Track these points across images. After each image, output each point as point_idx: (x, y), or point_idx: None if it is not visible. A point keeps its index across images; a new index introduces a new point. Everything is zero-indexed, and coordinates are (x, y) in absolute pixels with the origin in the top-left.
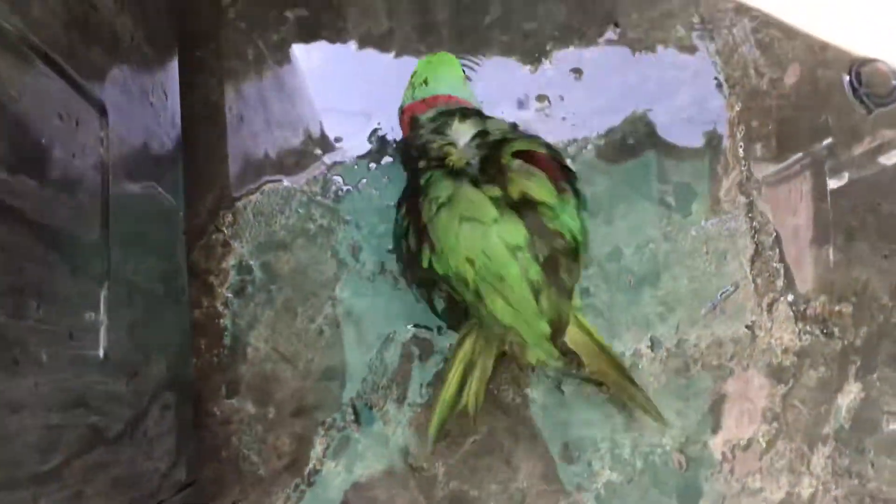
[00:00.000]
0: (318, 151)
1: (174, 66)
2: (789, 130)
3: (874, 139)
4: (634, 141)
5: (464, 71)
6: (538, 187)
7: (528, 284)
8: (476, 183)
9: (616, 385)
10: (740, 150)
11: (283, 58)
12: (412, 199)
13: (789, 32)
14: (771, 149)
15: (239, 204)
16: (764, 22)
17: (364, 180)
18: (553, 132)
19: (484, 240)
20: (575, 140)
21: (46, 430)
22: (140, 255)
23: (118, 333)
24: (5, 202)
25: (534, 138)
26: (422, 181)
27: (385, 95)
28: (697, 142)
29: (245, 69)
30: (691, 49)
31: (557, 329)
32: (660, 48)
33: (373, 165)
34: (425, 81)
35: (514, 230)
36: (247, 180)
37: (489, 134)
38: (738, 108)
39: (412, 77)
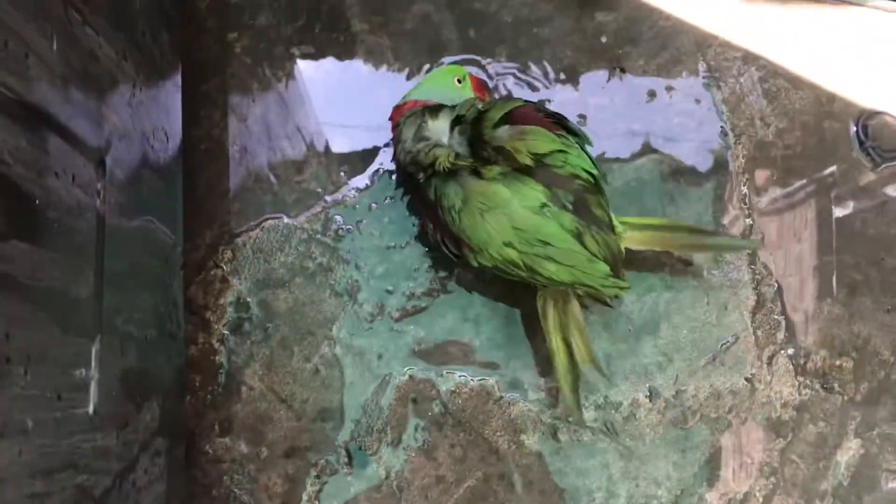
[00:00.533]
0: (319, 190)
1: (177, 107)
2: (795, 181)
3: (879, 193)
4: (637, 187)
5: (470, 75)
6: (538, 141)
7: (569, 234)
8: (477, 172)
9: (694, 246)
10: (745, 200)
11: (288, 94)
12: (431, 214)
13: (797, 83)
14: (776, 199)
15: (239, 240)
16: (771, 72)
17: (364, 220)
18: None
19: (509, 218)
20: None
21: (30, 500)
22: (134, 297)
23: (109, 385)
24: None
25: (508, 100)
26: (430, 194)
27: (389, 134)
28: (701, 190)
29: (249, 104)
30: (697, 97)
31: (615, 262)
32: (666, 95)
33: (374, 205)
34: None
35: (531, 193)
36: (247, 216)
37: (464, 117)
38: (743, 158)
39: None
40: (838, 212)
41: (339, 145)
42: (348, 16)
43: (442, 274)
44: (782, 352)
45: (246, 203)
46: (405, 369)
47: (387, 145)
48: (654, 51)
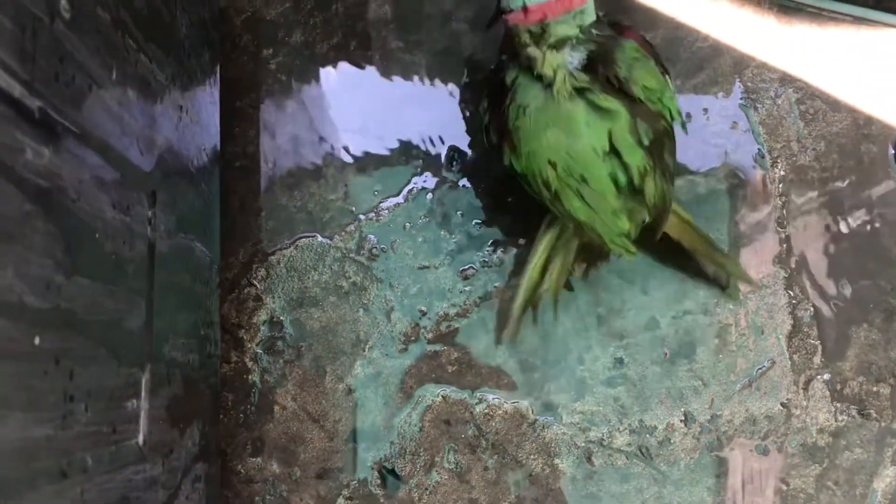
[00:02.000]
0: (353, 208)
1: (216, 124)
2: (832, 204)
3: None
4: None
5: None
6: (649, 76)
7: (611, 182)
8: (581, 91)
9: (705, 256)
10: (781, 223)
11: (322, 112)
12: (496, 96)
13: (834, 105)
14: (812, 223)
15: (273, 258)
16: (809, 94)
17: (398, 240)
18: None
19: (568, 144)
20: None
21: None
22: (179, 322)
23: (156, 414)
24: (61, 307)
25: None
26: (508, 79)
27: (424, 153)
28: (738, 213)
29: (283, 121)
30: (734, 118)
31: (662, 212)
32: (702, 116)
33: (408, 225)
34: None
35: (601, 134)
36: (281, 234)
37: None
38: (780, 180)
39: None
40: (875, 236)
41: (374, 164)
42: (383, 34)
43: (476, 295)
44: (818, 377)
45: (280, 221)
46: (438, 391)
47: (420, 166)
48: (690, 71)
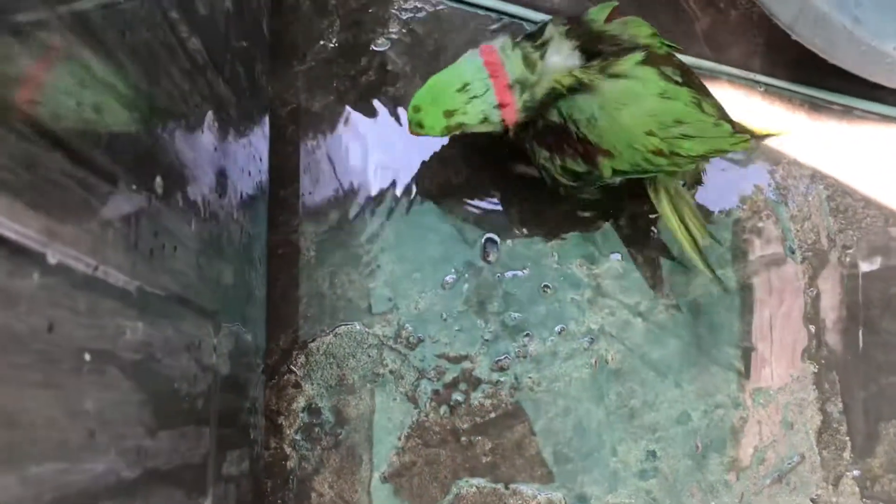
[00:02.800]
0: (391, 296)
1: (264, 219)
2: (861, 300)
3: None
4: (707, 303)
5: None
6: (643, 28)
7: (694, 107)
8: (604, 72)
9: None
10: (811, 319)
11: (363, 201)
12: (554, 141)
13: (864, 201)
14: (841, 318)
15: (312, 345)
16: (839, 190)
17: (436, 329)
18: (627, 290)
19: (645, 109)
20: (648, 298)
21: None
22: (234, 434)
23: None
24: (147, 467)
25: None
26: (554, 118)
27: (462, 243)
28: (767, 308)
29: (326, 210)
30: (765, 214)
31: (729, 120)
32: (736, 211)
33: (444, 314)
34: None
35: (652, 79)
36: (321, 322)
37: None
38: (809, 275)
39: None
40: None
41: (413, 253)
42: None
43: (510, 386)
44: (848, 473)
45: (320, 308)
46: (472, 481)
47: (457, 256)
48: (722, 167)
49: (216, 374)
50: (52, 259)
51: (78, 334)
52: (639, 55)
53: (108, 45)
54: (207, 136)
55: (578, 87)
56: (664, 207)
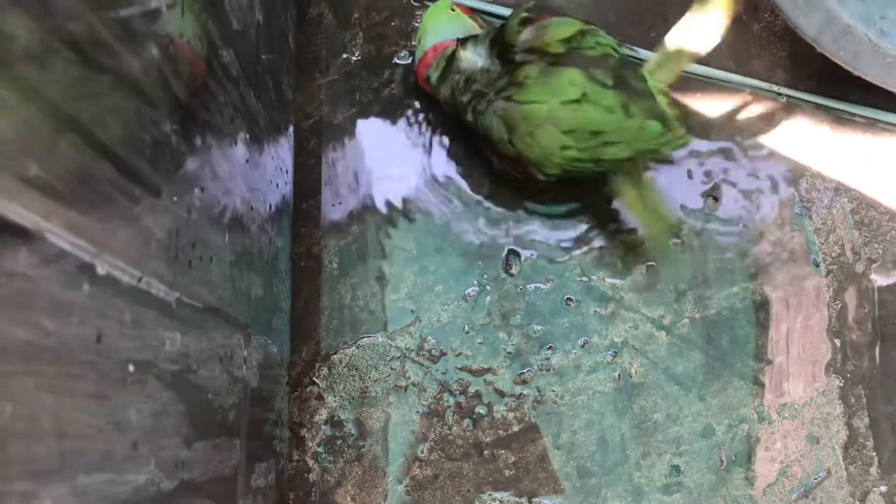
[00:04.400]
0: (414, 308)
1: (289, 231)
2: (886, 314)
3: None
4: (729, 316)
5: (453, 7)
6: (561, 28)
7: (614, 112)
8: (503, 89)
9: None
10: (836, 333)
11: (385, 213)
12: (485, 144)
13: (890, 214)
14: (866, 332)
15: (335, 357)
16: (864, 203)
17: (458, 342)
18: (650, 304)
19: (557, 126)
20: (671, 312)
21: None
22: (262, 447)
23: None
24: (184, 479)
25: (518, 9)
26: (480, 128)
27: (484, 255)
28: (792, 320)
29: (347, 222)
30: (790, 227)
31: (664, 120)
32: (758, 224)
33: (467, 327)
34: (419, 41)
35: (568, 85)
36: (343, 333)
37: (489, 35)
38: (834, 289)
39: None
40: None
41: (435, 265)
42: (444, 143)
43: (533, 399)
44: (875, 489)
45: (342, 320)
46: (496, 495)
47: (480, 269)
48: (746, 181)
49: (246, 386)
50: (100, 270)
51: (123, 345)
52: (535, 67)
53: (149, 53)
54: (240, 149)
55: (488, 104)
56: (627, 198)
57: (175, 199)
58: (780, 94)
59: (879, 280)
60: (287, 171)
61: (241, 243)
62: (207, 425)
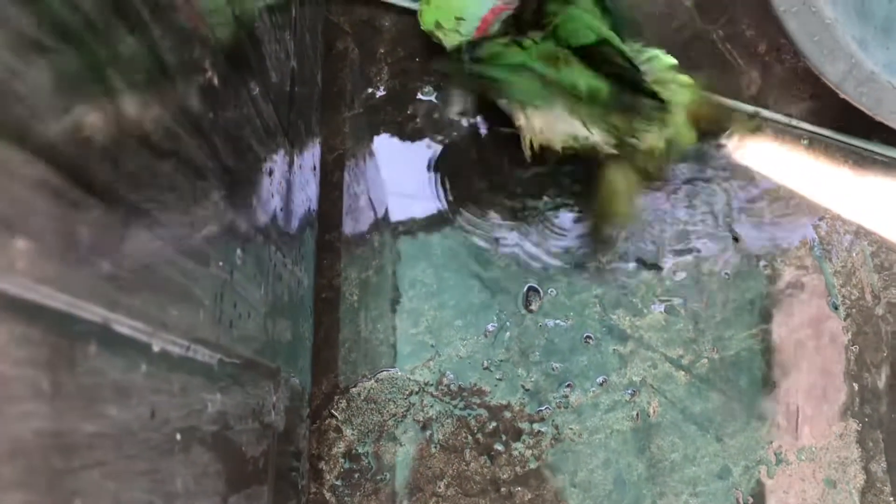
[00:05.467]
0: (433, 343)
1: (312, 266)
2: None
3: None
4: (748, 357)
5: None
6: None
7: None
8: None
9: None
10: (854, 377)
11: (405, 247)
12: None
13: None
14: (884, 375)
15: (353, 390)
16: (883, 246)
17: (476, 377)
18: (669, 343)
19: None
20: (690, 352)
21: None
22: (282, 477)
23: None
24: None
25: None
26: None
27: (504, 292)
28: (811, 362)
29: (368, 255)
30: (809, 268)
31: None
32: (778, 265)
33: (486, 362)
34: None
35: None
36: (362, 367)
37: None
38: (852, 332)
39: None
40: None
41: (455, 301)
42: (466, 179)
43: (551, 437)
44: None
45: (361, 353)
46: None
47: (500, 305)
48: (766, 221)
49: (275, 432)
50: (156, 347)
51: (172, 415)
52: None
53: (206, 129)
54: (276, 200)
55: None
56: (614, 185)
57: (220, 263)
58: (801, 132)
59: None
60: (312, 206)
61: (273, 292)
62: (240, 478)
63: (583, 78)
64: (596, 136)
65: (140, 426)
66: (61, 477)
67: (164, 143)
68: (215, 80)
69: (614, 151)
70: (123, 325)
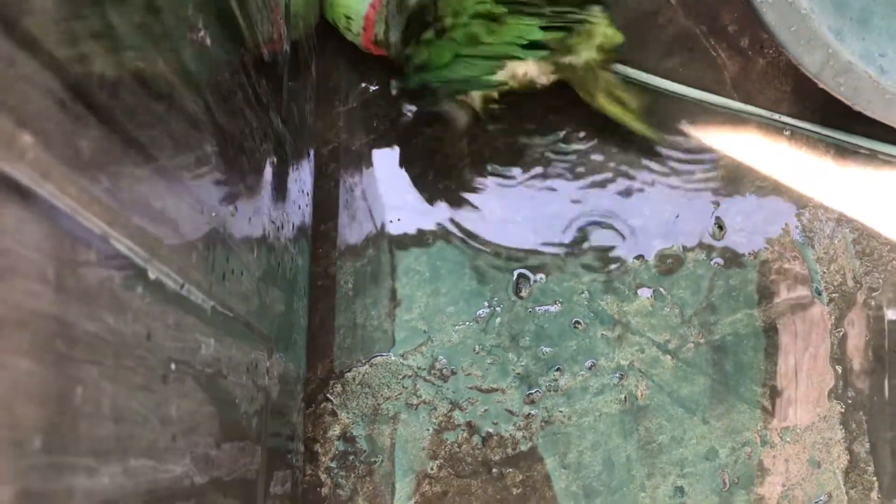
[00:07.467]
0: (426, 328)
1: (308, 252)
2: (887, 343)
3: None
4: (734, 342)
5: None
6: None
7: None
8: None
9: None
10: (838, 361)
11: (399, 237)
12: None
13: (890, 245)
14: (867, 358)
15: (349, 374)
16: (865, 234)
17: (468, 362)
18: (656, 328)
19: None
20: (676, 336)
21: None
22: (277, 459)
23: None
24: (213, 476)
25: None
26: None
27: (495, 278)
28: (795, 348)
29: (363, 244)
30: (791, 256)
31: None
32: (763, 253)
33: (477, 347)
34: (344, 20)
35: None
36: (357, 352)
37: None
38: (835, 316)
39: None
40: None
41: (447, 288)
42: (460, 168)
43: (542, 419)
44: None
45: (356, 339)
46: None
47: (491, 290)
48: (750, 209)
49: (268, 396)
50: (151, 275)
51: (167, 345)
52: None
53: (201, 84)
54: (268, 170)
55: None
56: (601, 103)
57: (213, 214)
58: (783, 125)
59: (880, 309)
60: (307, 194)
61: (267, 260)
62: (234, 428)
63: (521, 26)
64: (532, 68)
65: (136, 343)
66: (65, 361)
67: (159, 85)
68: (208, 41)
69: (553, 77)
70: (121, 244)
